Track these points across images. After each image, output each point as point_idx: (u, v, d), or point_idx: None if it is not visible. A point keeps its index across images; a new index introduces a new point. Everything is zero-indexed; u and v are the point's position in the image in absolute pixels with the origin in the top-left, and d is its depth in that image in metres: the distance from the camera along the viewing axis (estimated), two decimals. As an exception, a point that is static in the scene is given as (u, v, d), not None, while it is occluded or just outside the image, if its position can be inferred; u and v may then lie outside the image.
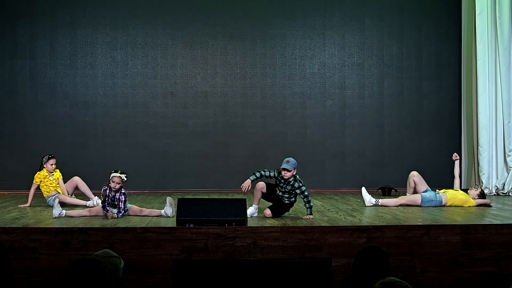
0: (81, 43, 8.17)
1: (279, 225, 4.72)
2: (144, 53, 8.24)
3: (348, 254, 4.42)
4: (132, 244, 4.36)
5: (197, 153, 8.21)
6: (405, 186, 8.06)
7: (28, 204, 6.16)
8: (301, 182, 5.15)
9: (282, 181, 5.19)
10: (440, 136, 8.42)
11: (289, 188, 5.18)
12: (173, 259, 4.02)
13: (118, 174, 5.33)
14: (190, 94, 8.29)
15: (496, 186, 7.72)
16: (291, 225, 4.74)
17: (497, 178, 7.72)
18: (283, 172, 5.17)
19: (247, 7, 8.36)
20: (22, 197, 7.31)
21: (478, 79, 7.73)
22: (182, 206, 4.68)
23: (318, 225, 4.70)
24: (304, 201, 5.13)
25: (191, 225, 4.52)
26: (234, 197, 5.97)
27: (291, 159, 5.21)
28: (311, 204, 5.13)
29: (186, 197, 5.58)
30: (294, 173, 5.16)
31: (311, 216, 5.07)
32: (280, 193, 5.25)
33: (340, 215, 5.44)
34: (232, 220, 4.54)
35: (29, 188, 7.85)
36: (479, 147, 7.72)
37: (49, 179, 6.26)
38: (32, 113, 8.08)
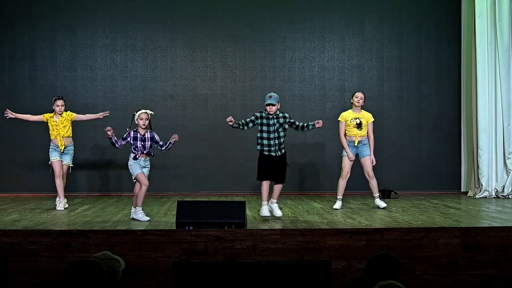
0: (80, 46, 8.17)
1: (279, 227, 4.72)
2: (143, 55, 8.24)
3: (348, 257, 4.42)
4: (132, 246, 4.36)
5: (196, 156, 8.20)
6: (405, 189, 8.08)
7: (16, 115, 6.28)
8: (286, 112, 5.42)
9: (270, 116, 5.29)
10: (440, 138, 8.42)
11: (281, 121, 5.32)
12: (173, 262, 4.02)
13: (143, 110, 5.32)
14: (190, 97, 8.29)
15: (496, 188, 7.71)
16: (290, 227, 4.74)
17: (497, 181, 7.72)
18: (268, 108, 5.26)
19: (246, 9, 8.37)
20: (22, 199, 7.30)
21: (477, 82, 7.73)
22: (182, 208, 4.68)
23: (318, 227, 4.70)
24: (301, 125, 5.39)
25: (191, 228, 4.52)
26: (233, 200, 5.96)
27: (273, 93, 5.38)
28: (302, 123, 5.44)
29: (185, 199, 5.58)
30: (278, 107, 5.32)
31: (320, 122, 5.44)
32: (276, 139, 5.28)
33: (340, 218, 5.44)
34: (231, 222, 4.54)
35: (29, 191, 7.87)
36: (478, 149, 7.72)
37: (54, 120, 6.21)
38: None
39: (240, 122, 5.34)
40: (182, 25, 8.26)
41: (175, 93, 8.27)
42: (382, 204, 6.22)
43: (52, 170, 6.17)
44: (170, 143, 5.36)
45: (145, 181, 5.20)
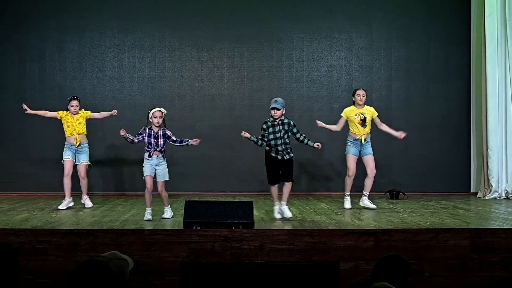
0: (89, 46, 8.21)
1: (286, 228, 4.71)
2: (151, 56, 8.27)
3: (356, 258, 4.40)
4: (140, 246, 4.38)
5: (204, 156, 8.21)
6: (414, 190, 8.02)
7: (32, 111, 6.35)
8: (291, 120, 5.44)
9: (275, 123, 5.32)
10: (449, 139, 8.35)
11: (286, 128, 5.34)
12: (180, 261, 4.03)
13: (157, 109, 5.44)
14: (197, 97, 8.30)
15: (506, 190, 7.64)
16: (298, 228, 4.72)
17: (507, 182, 7.64)
18: (272, 112, 5.30)
19: (254, 10, 8.36)
20: (30, 199, 7.35)
21: (487, 82, 7.67)
22: (189, 208, 4.69)
23: (325, 228, 4.68)
24: (301, 138, 5.41)
25: (198, 228, 4.53)
26: (241, 200, 5.96)
27: (279, 98, 5.41)
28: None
29: (192, 199, 5.58)
30: (283, 112, 5.35)
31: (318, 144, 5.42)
32: (283, 144, 5.32)
33: (348, 218, 5.42)
34: (239, 222, 4.54)
35: (38, 191, 7.92)
36: (488, 150, 7.65)
37: (71, 117, 6.29)
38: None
39: (258, 139, 5.39)
40: (190, 26, 8.27)
41: (182, 93, 8.28)
42: (370, 205, 6.21)
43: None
44: (187, 143, 5.47)
45: (148, 185, 5.37)
